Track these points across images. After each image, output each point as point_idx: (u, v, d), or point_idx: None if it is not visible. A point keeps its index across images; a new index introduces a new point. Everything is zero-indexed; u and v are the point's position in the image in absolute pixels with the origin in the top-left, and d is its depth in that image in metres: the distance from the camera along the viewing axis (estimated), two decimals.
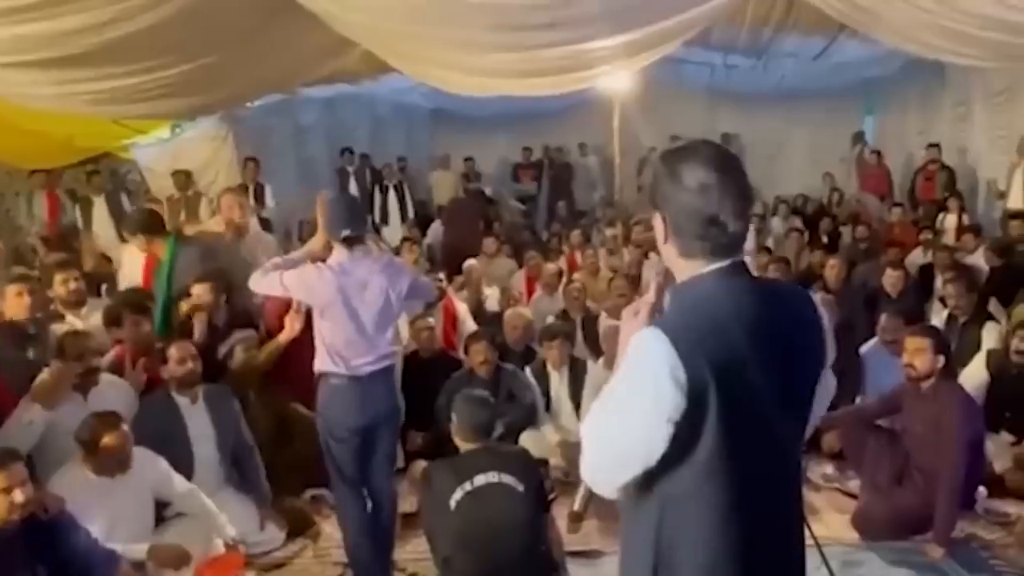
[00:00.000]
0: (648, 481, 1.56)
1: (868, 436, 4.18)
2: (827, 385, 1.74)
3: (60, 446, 3.45)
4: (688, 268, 1.58)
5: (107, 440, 3.23)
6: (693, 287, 1.57)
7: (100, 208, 8.23)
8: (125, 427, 3.34)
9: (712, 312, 1.53)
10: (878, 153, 10.97)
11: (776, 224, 10.01)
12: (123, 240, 7.71)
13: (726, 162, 1.55)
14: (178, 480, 3.58)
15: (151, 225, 4.80)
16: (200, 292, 4.47)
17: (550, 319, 5.88)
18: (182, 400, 3.87)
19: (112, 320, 4.35)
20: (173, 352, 3.85)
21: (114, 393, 3.87)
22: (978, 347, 4.97)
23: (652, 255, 7.06)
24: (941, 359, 3.87)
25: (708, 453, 1.49)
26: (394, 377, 3.66)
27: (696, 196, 1.53)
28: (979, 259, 6.86)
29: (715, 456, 1.50)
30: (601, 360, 5.27)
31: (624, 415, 1.51)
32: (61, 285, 4.40)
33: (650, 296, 1.66)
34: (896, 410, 4.14)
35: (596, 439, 1.56)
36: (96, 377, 3.78)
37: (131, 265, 5.58)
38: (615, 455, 1.54)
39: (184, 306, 4.46)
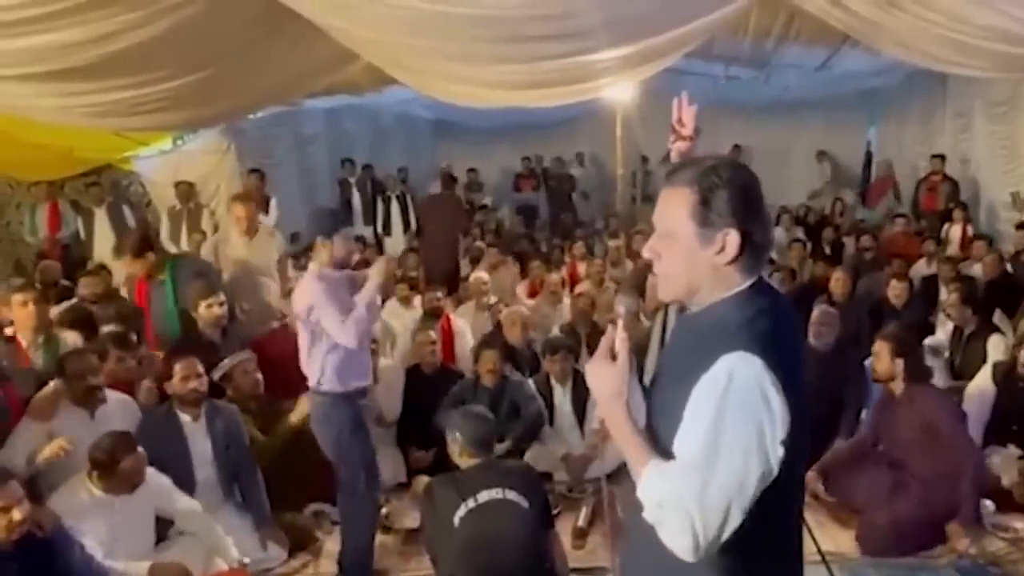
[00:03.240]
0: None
1: (857, 468, 4.18)
2: None
3: (63, 464, 3.43)
4: (734, 284, 1.53)
5: (126, 463, 3.23)
6: (749, 303, 1.52)
7: (102, 219, 8.21)
8: (141, 449, 3.33)
9: (774, 328, 1.49)
10: None
11: (779, 234, 9.99)
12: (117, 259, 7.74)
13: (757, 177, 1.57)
14: (180, 498, 3.56)
15: (141, 246, 4.82)
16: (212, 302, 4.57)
17: (555, 331, 5.86)
18: (185, 417, 3.85)
19: (98, 355, 4.24)
20: (179, 369, 3.81)
21: (121, 412, 3.86)
22: (984, 359, 4.95)
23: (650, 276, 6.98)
24: (900, 362, 3.98)
25: (779, 479, 1.42)
26: None
27: (762, 209, 1.53)
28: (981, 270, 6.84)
29: (780, 483, 1.42)
30: None
31: (740, 448, 1.38)
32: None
33: (623, 334, 1.59)
34: (878, 429, 4.19)
35: (701, 492, 1.38)
36: (102, 394, 3.76)
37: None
38: (731, 498, 1.38)
39: (204, 312, 4.53)
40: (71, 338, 4.21)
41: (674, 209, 1.53)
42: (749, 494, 1.39)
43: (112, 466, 3.21)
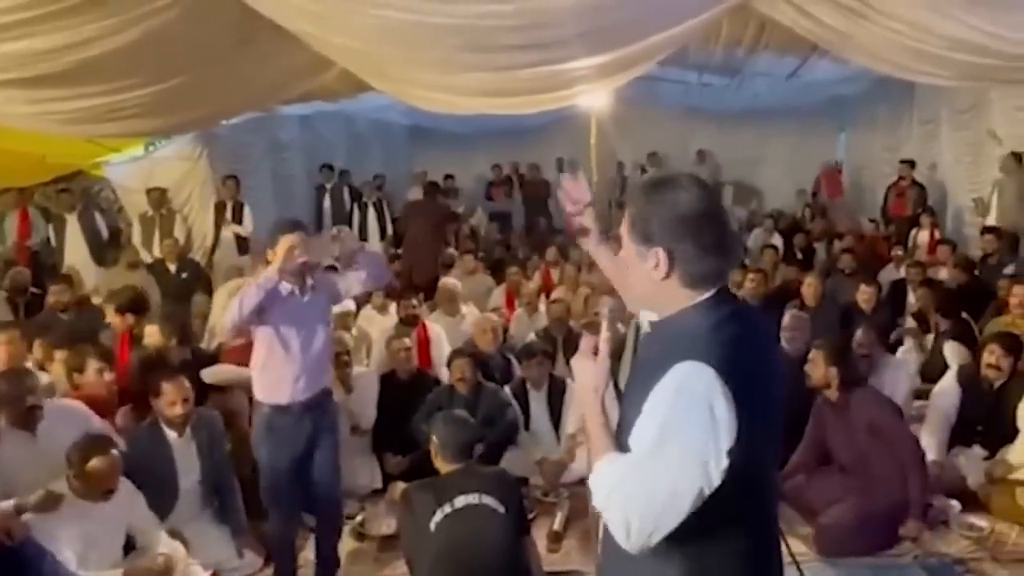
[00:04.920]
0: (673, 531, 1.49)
1: (811, 477, 4.27)
2: None
3: (7, 481, 3.38)
4: (682, 299, 1.57)
5: (94, 463, 3.19)
6: (702, 314, 1.55)
7: (73, 226, 8.12)
8: (116, 453, 3.30)
9: (732, 338, 1.51)
10: None
11: (751, 240, 10.11)
12: (98, 264, 7.66)
13: (709, 189, 1.58)
14: (151, 521, 3.53)
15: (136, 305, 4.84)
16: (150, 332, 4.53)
17: (531, 337, 5.89)
18: (171, 433, 3.80)
19: (76, 366, 4.20)
20: (168, 391, 3.74)
21: (63, 422, 3.65)
22: (945, 364, 5.06)
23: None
24: (834, 370, 4.09)
25: (734, 484, 1.45)
26: None
27: (698, 225, 1.53)
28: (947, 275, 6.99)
29: (738, 487, 1.46)
30: None
31: (680, 456, 1.43)
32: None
33: (606, 334, 1.67)
34: (823, 434, 4.28)
35: (638, 490, 1.46)
36: (39, 413, 3.61)
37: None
38: (665, 503, 1.44)
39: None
40: None
41: (623, 227, 1.62)
42: (685, 501, 1.43)
43: (82, 464, 3.18)
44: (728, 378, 1.43)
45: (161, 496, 3.58)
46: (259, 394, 3.55)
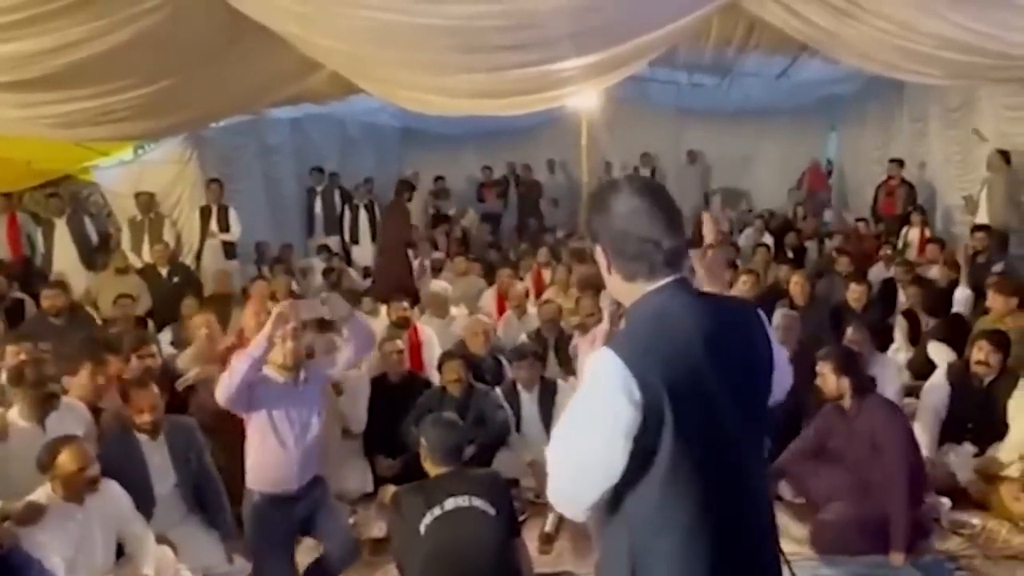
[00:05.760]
0: (615, 502, 1.61)
1: (818, 466, 4.23)
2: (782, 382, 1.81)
3: (14, 476, 3.39)
4: (633, 291, 1.68)
5: (63, 456, 3.18)
6: (640, 306, 1.67)
7: (61, 231, 8.08)
8: (85, 445, 3.29)
9: (661, 328, 1.60)
10: None
11: (742, 239, 10.13)
12: (88, 268, 7.60)
13: (650, 187, 1.70)
14: (138, 522, 3.50)
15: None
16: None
17: (522, 338, 5.88)
18: (142, 436, 3.78)
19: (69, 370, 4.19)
20: (136, 401, 3.73)
21: (72, 417, 3.81)
22: (931, 362, 5.09)
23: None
24: (845, 380, 4.02)
25: (668, 468, 1.54)
26: None
27: (627, 220, 1.65)
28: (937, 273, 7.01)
29: (677, 471, 1.55)
30: (572, 380, 5.28)
31: (583, 435, 1.57)
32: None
33: (604, 324, 1.75)
34: (828, 435, 4.23)
35: (558, 462, 1.63)
36: (55, 402, 3.72)
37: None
38: (577, 475, 1.60)
39: None
40: None
41: None
42: (597, 475, 1.57)
43: (52, 465, 3.17)
44: (635, 365, 1.51)
45: (137, 499, 3.54)
46: (251, 482, 3.58)
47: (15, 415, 3.67)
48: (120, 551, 3.50)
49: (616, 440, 1.52)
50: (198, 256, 8.34)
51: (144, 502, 3.61)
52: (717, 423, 1.59)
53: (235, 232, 8.42)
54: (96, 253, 8.11)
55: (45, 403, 3.67)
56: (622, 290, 1.70)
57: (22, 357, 4.31)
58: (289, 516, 3.59)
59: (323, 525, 3.68)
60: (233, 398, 3.38)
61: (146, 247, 7.98)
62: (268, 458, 3.51)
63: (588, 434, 1.56)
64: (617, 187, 1.70)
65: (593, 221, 1.72)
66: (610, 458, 1.54)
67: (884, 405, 4.09)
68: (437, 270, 8.38)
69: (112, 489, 3.40)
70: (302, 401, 3.57)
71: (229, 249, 8.44)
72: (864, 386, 4.14)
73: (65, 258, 7.95)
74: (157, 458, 3.80)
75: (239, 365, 3.33)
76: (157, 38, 3.64)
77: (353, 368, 5.21)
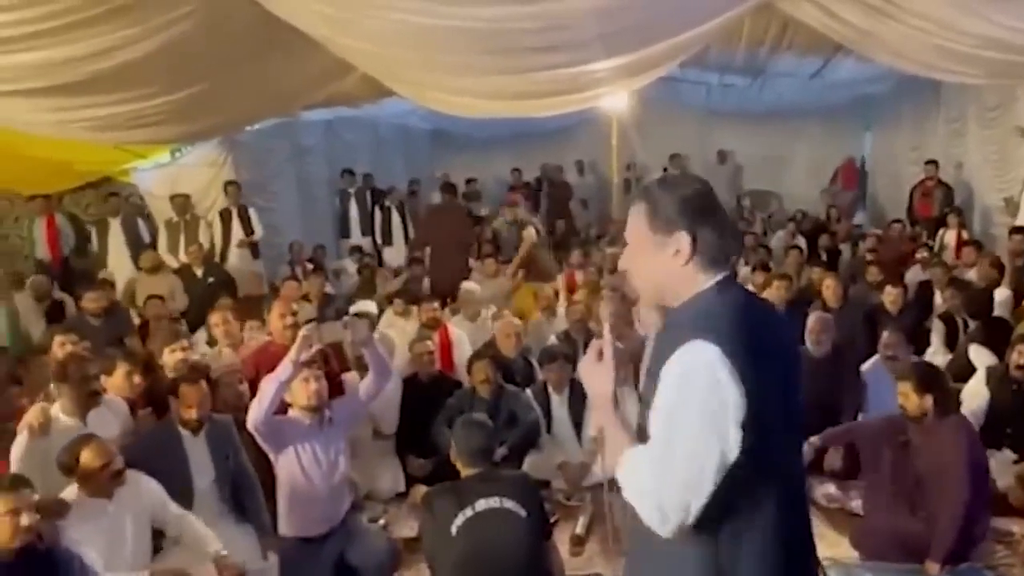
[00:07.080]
0: (705, 513, 1.52)
1: (884, 448, 4.04)
2: None
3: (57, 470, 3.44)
4: (701, 281, 1.65)
5: (85, 454, 3.22)
6: (723, 293, 1.64)
7: (115, 230, 8.23)
8: (104, 441, 3.34)
9: (742, 320, 1.58)
10: None
11: (774, 241, 10.01)
12: (138, 268, 7.73)
13: (710, 186, 1.71)
14: (172, 505, 3.56)
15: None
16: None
17: (552, 339, 5.88)
18: (185, 432, 3.86)
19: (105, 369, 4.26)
20: (185, 396, 3.82)
21: (112, 413, 3.93)
22: (971, 366, 4.98)
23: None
24: (929, 398, 3.78)
25: (754, 466, 1.51)
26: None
27: (712, 211, 1.66)
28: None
29: (759, 468, 1.52)
30: None
31: (694, 433, 1.49)
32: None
33: (607, 336, 1.73)
34: (896, 434, 4.06)
35: (664, 472, 1.51)
36: (97, 399, 3.83)
37: None
38: (691, 478, 1.49)
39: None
40: None
41: (635, 223, 1.72)
42: (708, 474, 1.48)
43: (75, 462, 3.21)
44: (733, 354, 1.48)
45: (176, 493, 3.61)
46: (283, 528, 3.71)
47: (58, 411, 3.74)
48: (155, 547, 3.55)
49: (730, 430, 1.47)
50: (222, 260, 8.40)
51: (184, 496, 3.67)
52: (788, 420, 1.61)
53: (258, 232, 8.52)
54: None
55: (88, 400, 3.77)
56: (686, 282, 1.65)
57: (68, 348, 4.42)
58: (322, 556, 3.66)
59: (357, 555, 3.72)
60: (262, 422, 3.48)
61: (182, 248, 8.10)
62: (298, 501, 3.62)
63: (700, 429, 1.48)
64: (691, 180, 1.73)
65: (674, 209, 1.65)
66: (726, 451, 1.47)
67: (963, 429, 3.85)
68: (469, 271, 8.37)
69: (141, 481, 3.45)
70: (328, 441, 3.70)
71: (253, 249, 8.54)
72: (947, 405, 3.90)
73: (118, 258, 8.12)
74: (198, 454, 3.86)
75: (267, 388, 3.43)
76: (189, 44, 3.70)
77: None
